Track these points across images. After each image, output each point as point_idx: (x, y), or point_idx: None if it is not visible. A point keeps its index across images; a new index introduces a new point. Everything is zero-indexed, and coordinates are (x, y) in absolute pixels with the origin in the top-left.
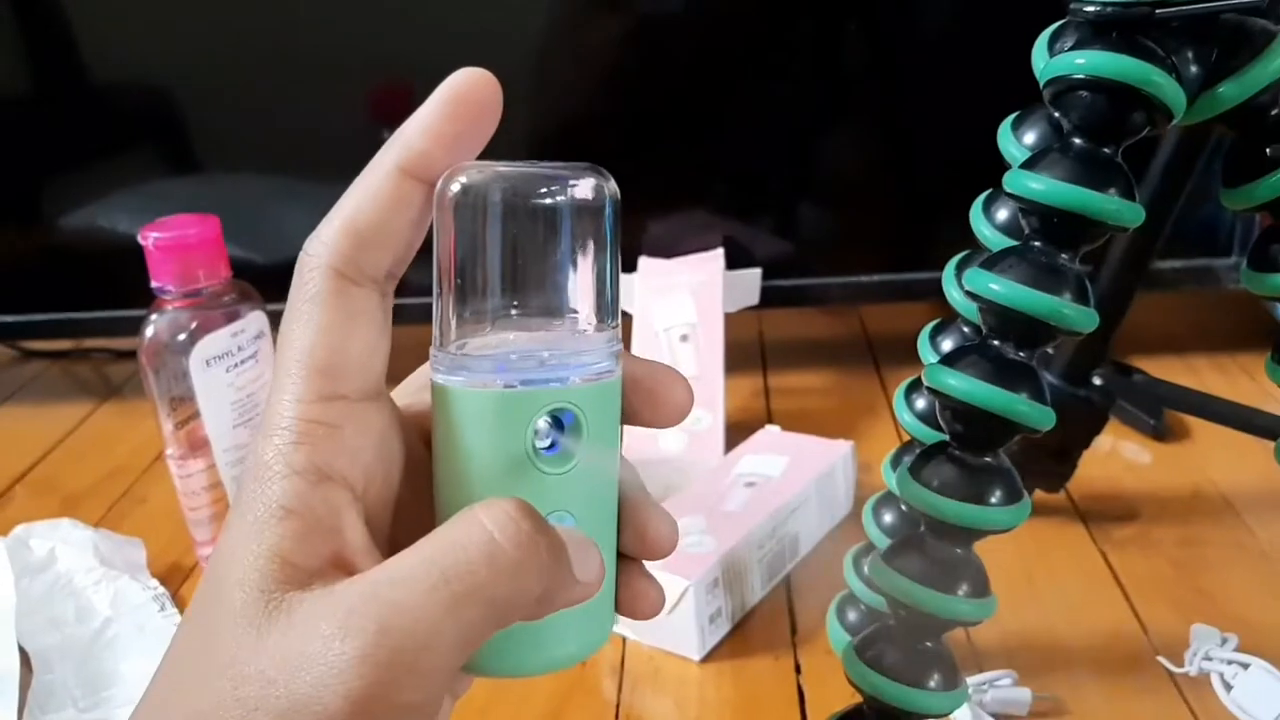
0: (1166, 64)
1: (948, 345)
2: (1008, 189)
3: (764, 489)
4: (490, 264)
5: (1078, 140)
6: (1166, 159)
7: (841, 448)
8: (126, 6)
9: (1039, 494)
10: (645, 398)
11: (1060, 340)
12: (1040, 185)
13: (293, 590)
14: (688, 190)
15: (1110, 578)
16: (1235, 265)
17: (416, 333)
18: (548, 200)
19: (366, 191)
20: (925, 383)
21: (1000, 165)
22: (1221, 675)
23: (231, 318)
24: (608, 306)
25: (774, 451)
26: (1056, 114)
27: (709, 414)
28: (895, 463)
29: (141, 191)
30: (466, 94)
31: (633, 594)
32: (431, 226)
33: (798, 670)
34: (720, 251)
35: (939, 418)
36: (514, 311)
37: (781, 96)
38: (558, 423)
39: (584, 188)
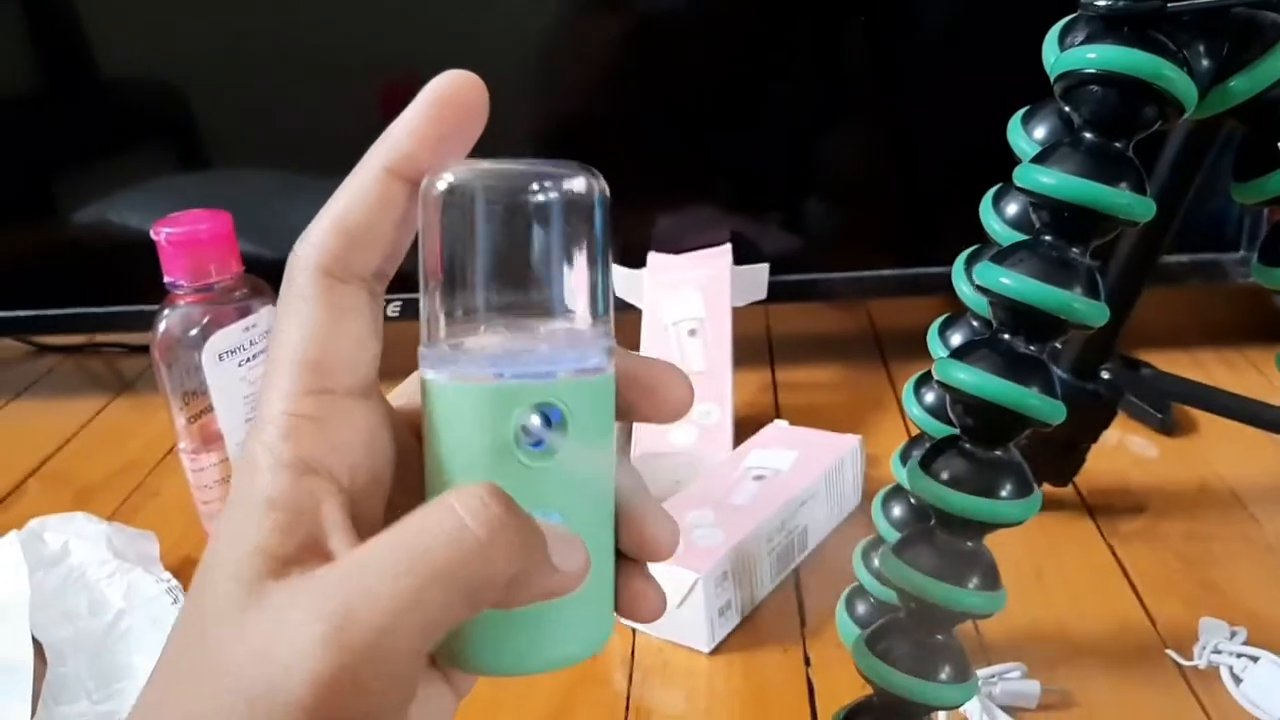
0: (1178, 58)
1: (957, 340)
2: (1018, 183)
3: (773, 482)
4: (475, 261)
5: (1089, 134)
6: (1175, 154)
7: (850, 442)
8: (136, 3)
9: (1047, 488)
10: (644, 394)
11: (1069, 334)
12: (1051, 179)
13: (272, 580)
14: (696, 186)
15: (1118, 571)
16: (1243, 260)
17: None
18: (532, 197)
19: (354, 192)
20: (936, 377)
21: (1008, 160)
22: (1230, 668)
23: (244, 312)
24: (599, 303)
25: (783, 445)
26: (1067, 108)
27: (717, 408)
28: (904, 457)
29: (152, 187)
30: (452, 96)
31: (632, 596)
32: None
33: (807, 662)
34: (728, 247)
35: (950, 412)
36: (502, 308)
37: (789, 91)
38: (546, 419)
39: (569, 184)
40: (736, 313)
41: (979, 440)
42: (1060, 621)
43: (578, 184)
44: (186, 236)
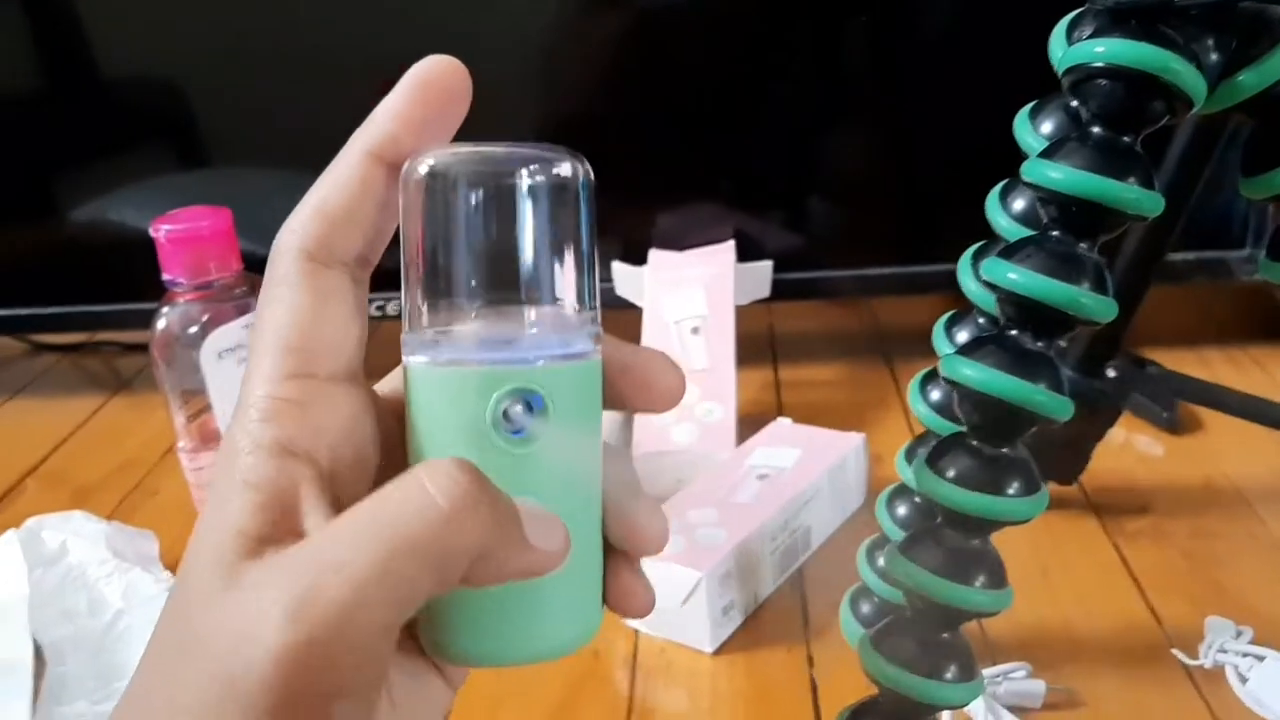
0: (1186, 52)
1: (963, 336)
2: (1026, 178)
3: (776, 481)
4: (457, 246)
5: (1096, 129)
6: (1183, 149)
7: (853, 440)
8: (136, 3)
9: (1052, 487)
10: (635, 383)
11: (1076, 331)
12: (1059, 174)
13: (248, 560)
14: (698, 183)
15: (1124, 570)
16: (1248, 258)
17: None
18: (515, 181)
19: (335, 177)
20: (942, 373)
21: (1013, 156)
22: (1236, 668)
23: (243, 310)
24: (584, 289)
25: (786, 444)
26: (1075, 102)
27: (720, 406)
28: (909, 455)
29: (151, 186)
30: (434, 80)
31: (621, 590)
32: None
33: (810, 662)
34: (731, 244)
35: (956, 409)
36: (485, 294)
37: (793, 89)
38: (527, 405)
39: (553, 168)
40: (739, 310)
41: (986, 437)
42: (1065, 620)
43: (562, 168)
44: (186, 234)
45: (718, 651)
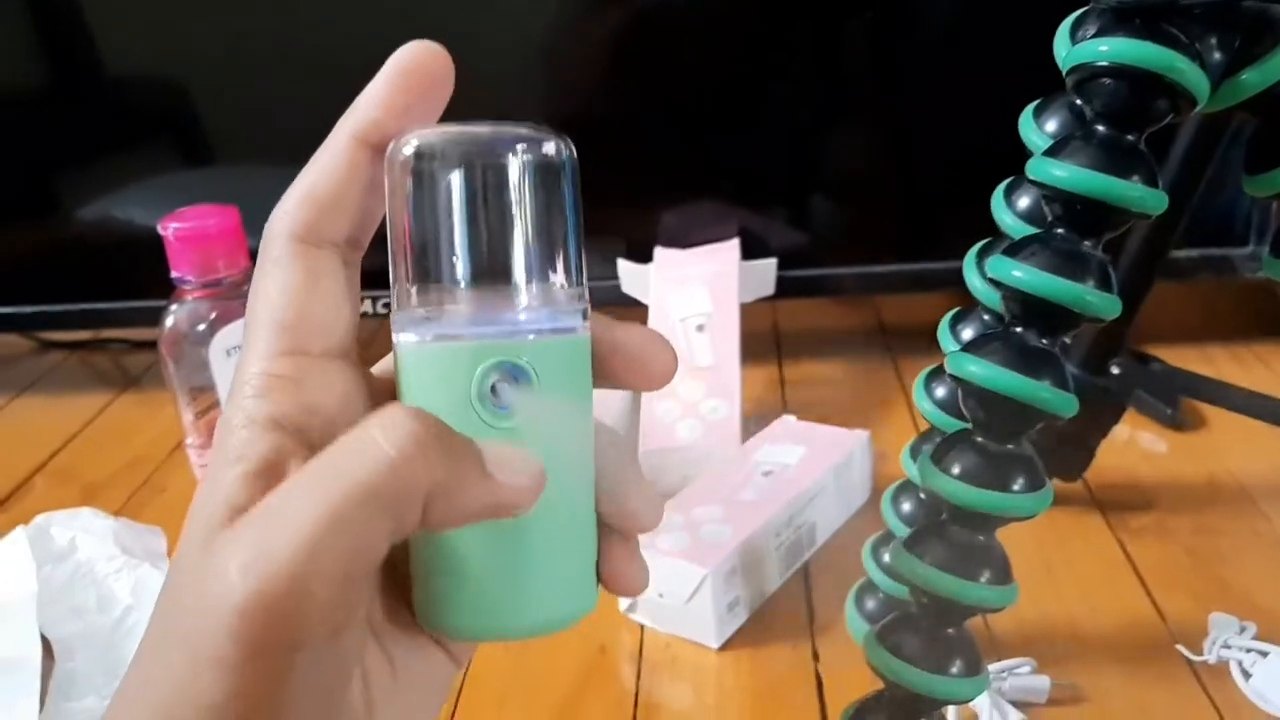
0: (1190, 51)
1: (968, 333)
2: (1031, 176)
3: (781, 478)
4: (443, 225)
5: (1101, 127)
6: (1186, 147)
7: (858, 437)
8: (139, 2)
9: (1056, 483)
10: (627, 361)
11: (1081, 328)
12: (1064, 172)
13: (224, 529)
14: (703, 181)
15: (1128, 566)
16: (1252, 255)
17: None
18: (498, 160)
19: (323, 161)
20: (947, 370)
21: (1017, 154)
22: (1240, 663)
23: None
24: (571, 265)
25: (791, 441)
26: (1079, 101)
27: (725, 404)
28: (914, 452)
29: (156, 184)
30: (416, 66)
31: (614, 568)
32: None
33: (816, 658)
34: (736, 242)
35: (961, 405)
36: (471, 272)
37: (795, 87)
38: (513, 379)
39: (538, 146)
40: (744, 308)
41: (991, 434)
42: (1070, 616)
43: (547, 146)
44: (194, 231)
45: (723, 647)
